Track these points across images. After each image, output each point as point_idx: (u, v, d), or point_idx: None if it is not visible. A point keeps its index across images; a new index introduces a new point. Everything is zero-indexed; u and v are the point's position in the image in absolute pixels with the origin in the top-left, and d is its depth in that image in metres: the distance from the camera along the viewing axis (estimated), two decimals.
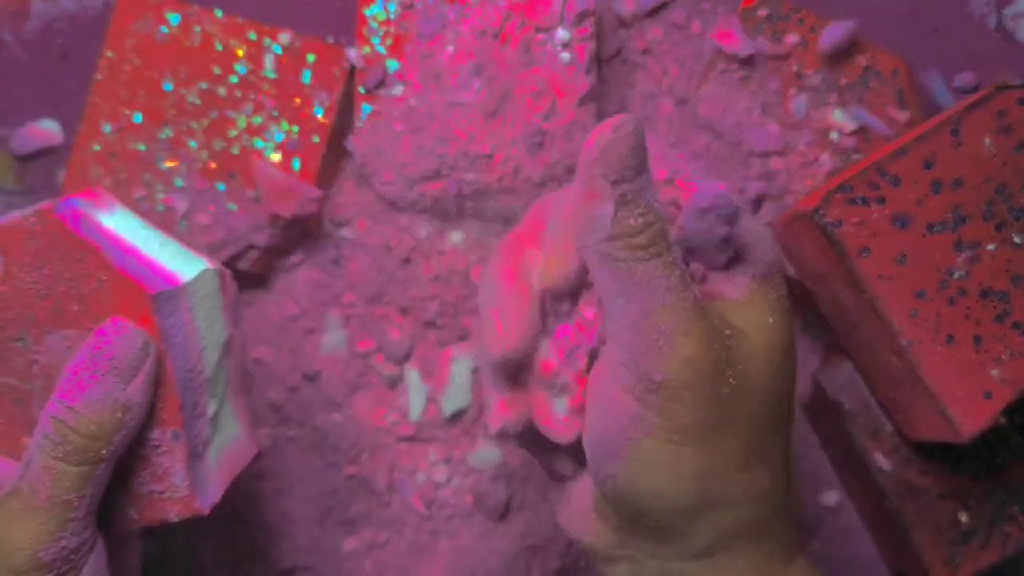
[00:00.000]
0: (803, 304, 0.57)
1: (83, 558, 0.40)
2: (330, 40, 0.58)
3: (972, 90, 0.58)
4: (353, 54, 0.56)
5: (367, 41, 0.55)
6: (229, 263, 0.55)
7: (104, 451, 0.39)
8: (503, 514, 0.57)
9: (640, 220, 0.38)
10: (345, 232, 0.57)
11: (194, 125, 0.55)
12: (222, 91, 0.55)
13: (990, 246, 0.48)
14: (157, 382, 0.41)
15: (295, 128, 0.55)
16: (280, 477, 0.57)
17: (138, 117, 0.55)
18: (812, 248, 0.50)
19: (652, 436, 0.39)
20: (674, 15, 0.58)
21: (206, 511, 0.42)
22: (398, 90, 0.55)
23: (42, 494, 0.39)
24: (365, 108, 0.55)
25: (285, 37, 0.55)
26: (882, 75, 0.54)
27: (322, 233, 0.58)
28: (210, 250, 0.55)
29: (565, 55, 0.54)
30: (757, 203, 0.55)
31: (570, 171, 0.56)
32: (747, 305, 0.41)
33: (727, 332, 0.39)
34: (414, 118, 0.54)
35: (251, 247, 0.56)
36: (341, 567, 0.57)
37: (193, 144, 0.55)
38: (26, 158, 0.59)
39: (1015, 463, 0.53)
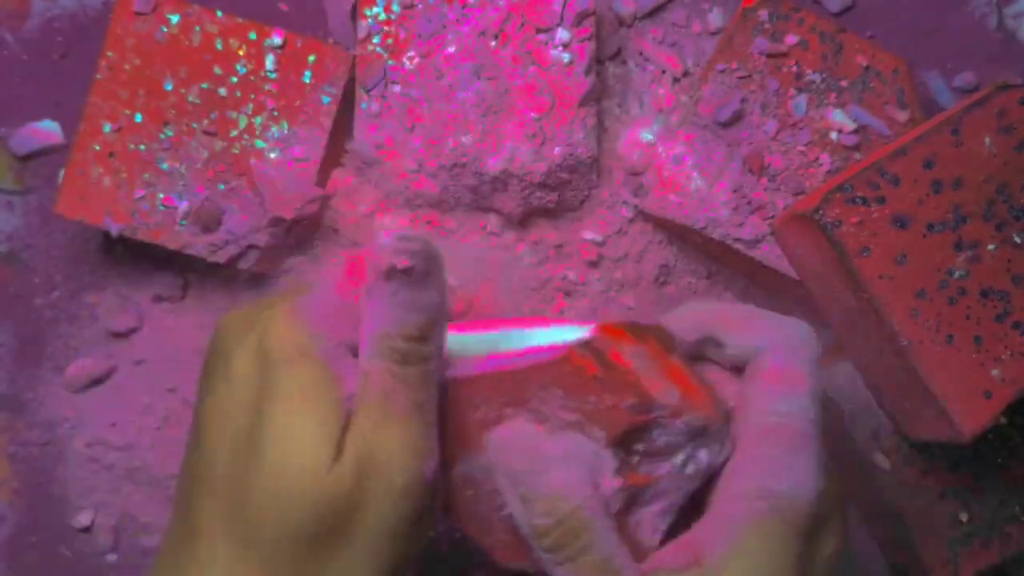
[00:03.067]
0: (803, 304, 0.57)
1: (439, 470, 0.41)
2: (331, 40, 0.58)
3: (972, 90, 0.58)
4: (354, 54, 0.56)
5: (368, 41, 0.55)
6: (229, 263, 0.55)
7: (427, 349, 0.40)
8: None
9: (543, 522, 0.40)
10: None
11: (194, 125, 0.55)
12: (222, 91, 0.55)
13: (990, 246, 0.48)
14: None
15: (296, 128, 0.55)
16: None
17: (138, 117, 0.55)
18: (812, 248, 0.50)
19: None
20: (674, 15, 0.58)
21: None
22: (398, 90, 0.55)
23: (396, 400, 0.39)
24: (365, 108, 0.55)
25: (286, 37, 0.55)
26: (882, 75, 0.54)
27: (323, 233, 0.58)
28: (210, 250, 0.55)
29: (565, 55, 0.54)
30: (757, 204, 0.55)
31: (572, 171, 0.56)
32: (733, 553, 0.39)
33: None
34: (414, 118, 0.54)
35: (252, 247, 0.55)
36: None
37: (193, 144, 0.55)
38: (26, 158, 0.59)
39: (1015, 463, 0.53)
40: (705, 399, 0.41)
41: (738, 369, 0.43)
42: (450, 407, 0.42)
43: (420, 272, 0.39)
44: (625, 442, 0.40)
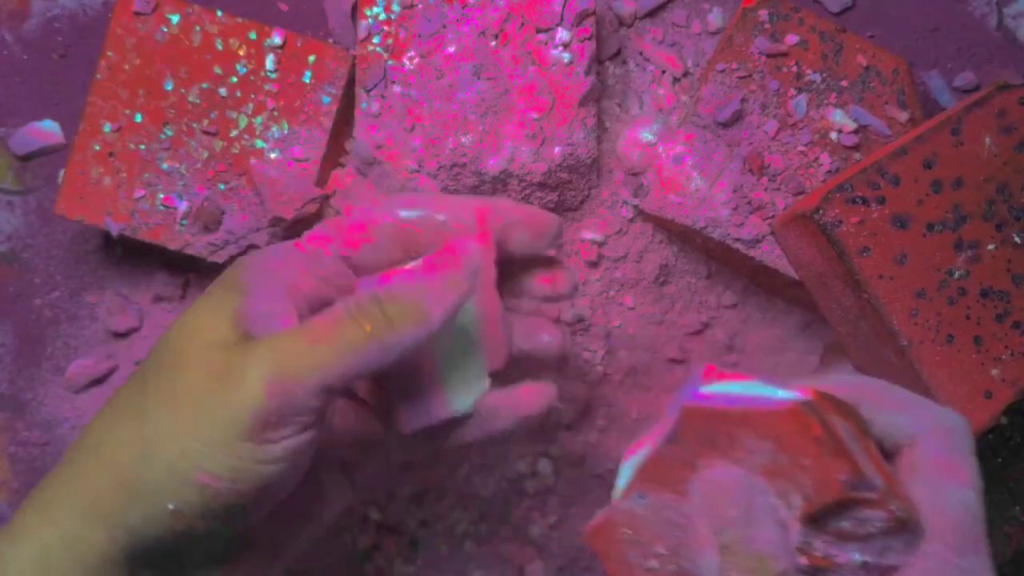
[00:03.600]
0: (803, 304, 0.57)
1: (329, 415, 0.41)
2: (331, 40, 0.58)
3: (972, 90, 0.58)
4: (354, 54, 0.56)
5: (368, 41, 0.55)
6: (229, 263, 0.55)
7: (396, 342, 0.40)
8: None
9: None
10: None
11: (194, 125, 0.55)
12: (222, 91, 0.55)
13: (990, 246, 0.48)
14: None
15: (296, 128, 0.55)
16: None
17: (138, 117, 0.55)
18: (812, 248, 0.50)
19: None
20: (674, 15, 0.58)
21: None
22: (398, 90, 0.55)
23: (326, 336, 0.39)
24: (365, 108, 0.55)
25: (286, 37, 0.55)
26: (882, 75, 0.54)
27: None
28: (210, 250, 0.55)
29: (565, 55, 0.54)
30: (757, 204, 0.55)
31: (572, 171, 0.56)
32: None
33: None
34: (414, 118, 0.54)
35: (252, 247, 0.56)
36: None
37: (193, 144, 0.55)
38: (26, 158, 0.59)
39: (1015, 463, 0.53)
40: (903, 492, 0.38)
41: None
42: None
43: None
44: (820, 519, 0.37)
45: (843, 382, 0.40)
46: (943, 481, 0.38)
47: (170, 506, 0.39)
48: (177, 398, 0.39)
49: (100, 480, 0.39)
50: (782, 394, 0.37)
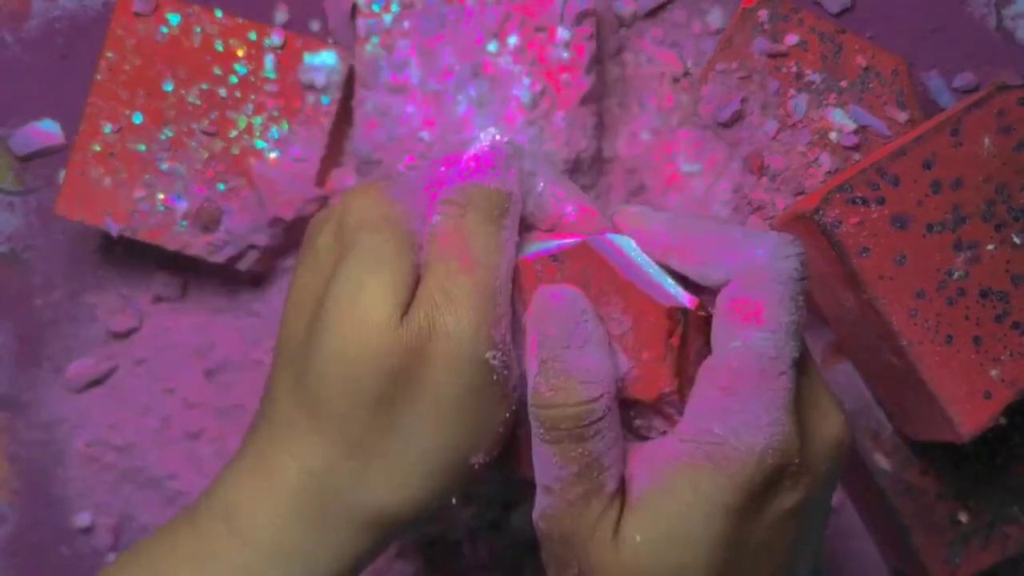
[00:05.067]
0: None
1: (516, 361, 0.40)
2: (331, 40, 0.58)
3: (972, 90, 0.58)
4: (354, 53, 0.56)
5: (367, 40, 0.55)
6: (229, 263, 0.55)
7: (503, 220, 0.41)
8: None
9: (549, 395, 0.38)
10: None
11: (194, 125, 0.55)
12: (222, 91, 0.55)
13: (990, 246, 0.48)
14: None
15: (295, 128, 0.55)
16: None
17: (138, 117, 0.55)
18: (812, 248, 0.50)
19: None
20: (674, 15, 0.58)
21: None
22: (397, 89, 0.55)
23: (466, 260, 0.39)
24: (365, 107, 0.55)
25: (286, 37, 0.55)
26: (882, 75, 0.54)
27: None
28: (210, 250, 0.55)
29: (565, 55, 0.54)
30: (757, 204, 0.55)
31: (571, 171, 0.55)
32: (639, 510, 0.38)
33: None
34: (414, 118, 0.54)
35: (251, 247, 0.56)
36: None
37: (193, 144, 0.55)
38: (26, 158, 0.59)
39: (1015, 463, 0.53)
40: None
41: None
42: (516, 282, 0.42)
43: (504, 159, 0.42)
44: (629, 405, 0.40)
45: (653, 222, 0.41)
46: (733, 321, 0.38)
47: (454, 501, 0.40)
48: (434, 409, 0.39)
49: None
50: (671, 289, 0.39)
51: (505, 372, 0.39)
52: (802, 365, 0.39)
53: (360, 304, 0.38)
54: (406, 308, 0.38)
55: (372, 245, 0.39)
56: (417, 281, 0.39)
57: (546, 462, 0.38)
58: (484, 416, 0.39)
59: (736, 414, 0.37)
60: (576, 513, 0.38)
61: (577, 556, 0.38)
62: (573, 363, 0.38)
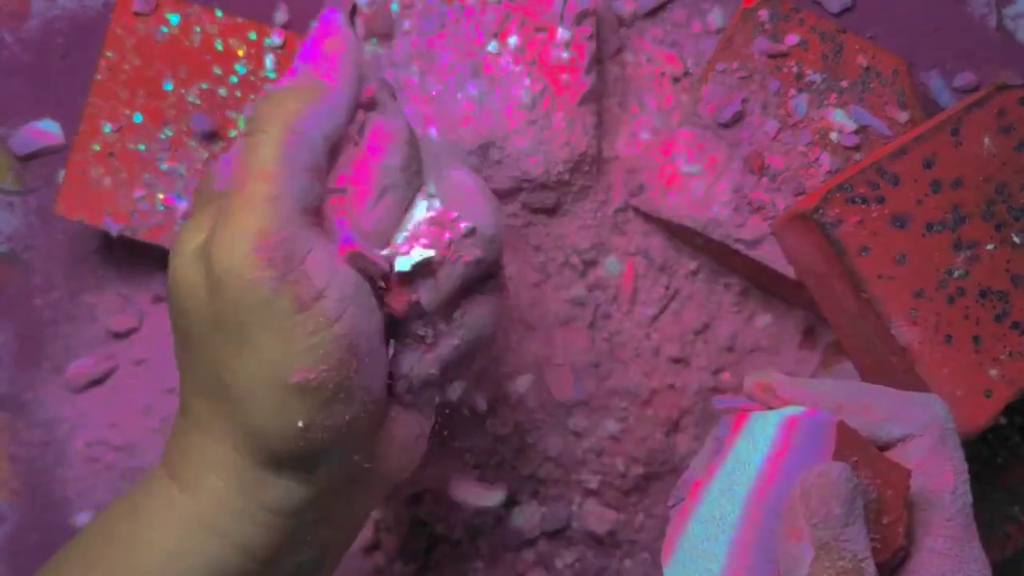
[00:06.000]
0: (803, 304, 0.57)
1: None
2: None
3: (972, 90, 0.58)
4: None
5: (367, 40, 0.55)
6: None
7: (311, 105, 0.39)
8: None
9: (836, 573, 0.37)
10: None
11: (194, 125, 0.55)
12: (222, 91, 0.55)
13: (989, 246, 0.48)
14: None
15: None
16: None
17: (138, 117, 0.55)
18: (812, 248, 0.50)
19: None
20: (674, 15, 0.58)
21: None
22: (397, 88, 0.55)
23: (240, 179, 0.38)
24: None
25: (286, 37, 0.55)
26: (882, 75, 0.54)
27: None
28: None
29: (565, 55, 0.54)
30: (757, 204, 0.55)
31: (571, 171, 0.55)
32: None
33: None
34: (413, 117, 0.54)
35: None
36: None
37: (193, 144, 0.55)
38: (26, 158, 0.59)
39: (1015, 463, 0.53)
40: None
41: None
42: None
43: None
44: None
45: (816, 390, 0.42)
46: (937, 481, 0.40)
47: (299, 423, 0.38)
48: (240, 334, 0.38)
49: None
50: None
51: (294, 288, 0.38)
52: None
53: (177, 245, 0.39)
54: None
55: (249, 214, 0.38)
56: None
57: None
58: (286, 336, 0.38)
59: (965, 563, 0.39)
60: None
61: None
62: (856, 542, 0.38)
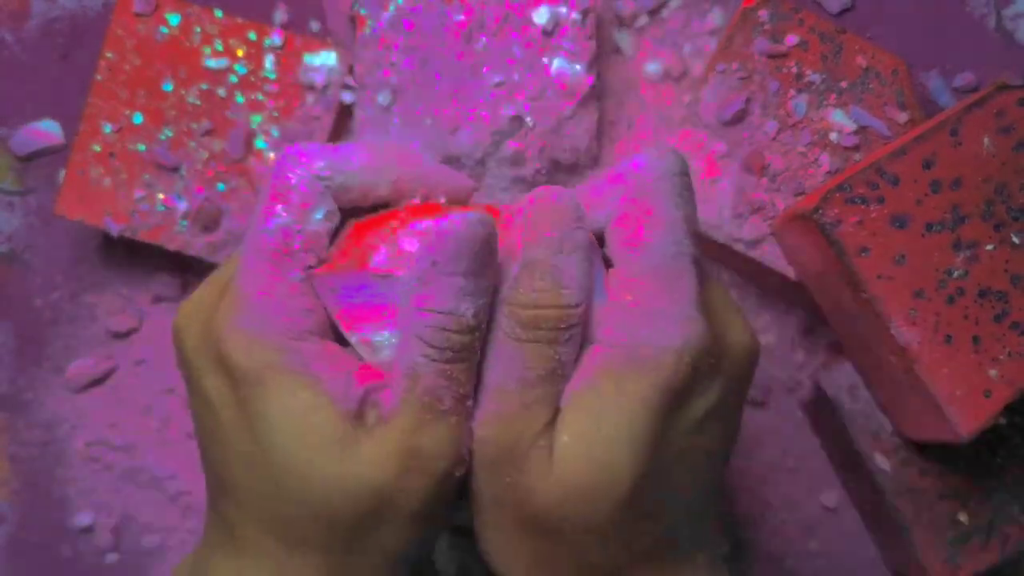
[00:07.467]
0: (803, 304, 0.57)
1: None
2: (330, 40, 0.58)
3: (972, 90, 0.58)
4: (353, 53, 0.56)
5: (367, 39, 0.55)
6: None
7: (478, 337, 0.38)
8: None
9: (534, 295, 0.37)
10: None
11: (194, 125, 0.55)
12: (222, 91, 0.55)
13: (989, 246, 0.48)
14: None
15: (295, 128, 0.55)
16: None
17: (138, 117, 0.55)
18: (811, 248, 0.50)
19: None
20: (674, 15, 0.58)
21: None
22: (397, 88, 0.55)
23: (446, 399, 0.37)
24: (364, 107, 0.55)
25: (285, 37, 0.55)
26: (882, 75, 0.54)
27: None
28: (210, 250, 0.55)
29: (565, 55, 0.54)
30: (757, 204, 0.55)
31: (571, 171, 0.56)
32: (570, 412, 0.38)
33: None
34: (413, 117, 0.54)
35: None
36: None
37: (192, 144, 0.55)
38: (26, 158, 0.59)
39: (1015, 463, 0.53)
40: None
41: None
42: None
43: (483, 256, 0.37)
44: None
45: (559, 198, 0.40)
46: (626, 232, 0.38)
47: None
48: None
49: None
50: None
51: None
52: (701, 274, 0.39)
53: (303, 453, 0.37)
54: (353, 436, 0.37)
55: (276, 406, 0.37)
56: (347, 399, 0.38)
57: (511, 362, 0.38)
58: (441, 518, 0.40)
59: (651, 316, 0.38)
60: (527, 417, 0.37)
61: (514, 466, 0.38)
62: (564, 269, 0.37)
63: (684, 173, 0.39)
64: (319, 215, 0.39)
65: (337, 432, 0.37)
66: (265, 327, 0.38)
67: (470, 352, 0.38)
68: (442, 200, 0.42)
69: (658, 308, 0.38)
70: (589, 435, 0.37)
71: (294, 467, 0.37)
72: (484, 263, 0.37)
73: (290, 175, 0.39)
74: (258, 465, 0.38)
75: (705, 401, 0.38)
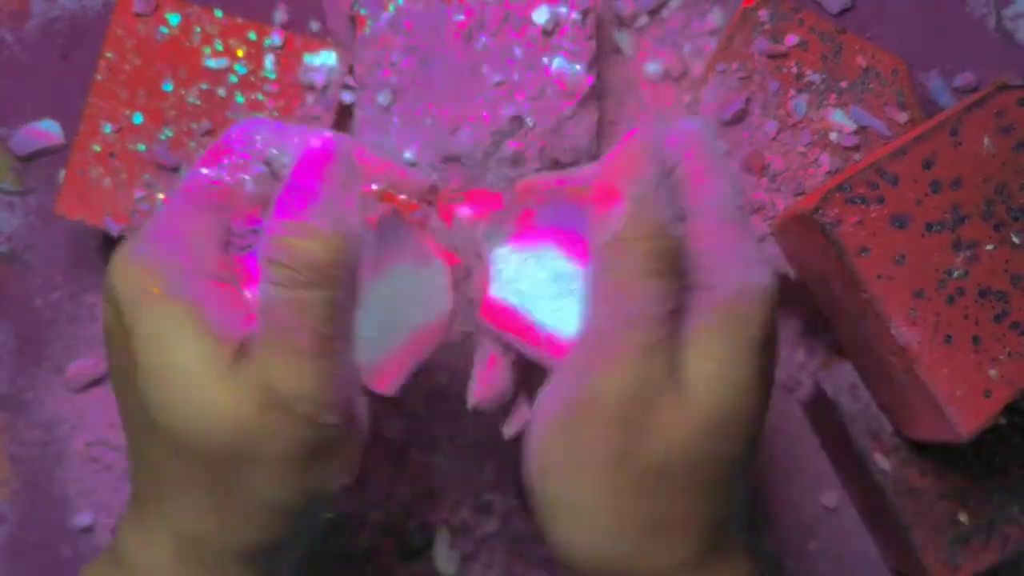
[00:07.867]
0: (803, 304, 0.57)
1: (360, 398, 0.39)
2: (330, 40, 0.58)
3: (972, 90, 0.58)
4: (353, 53, 0.56)
5: (366, 39, 0.55)
6: None
7: (336, 273, 0.36)
8: None
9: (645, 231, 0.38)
10: None
11: (194, 125, 0.55)
12: (222, 91, 0.55)
13: (989, 246, 0.48)
14: None
15: None
16: None
17: (138, 117, 0.55)
18: (812, 248, 0.50)
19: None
20: (674, 15, 0.58)
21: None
22: (397, 88, 0.55)
23: (300, 335, 0.36)
24: (364, 106, 0.55)
25: (285, 37, 0.55)
26: (882, 75, 0.54)
27: None
28: None
29: (565, 55, 0.54)
30: (757, 204, 0.55)
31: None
32: (698, 348, 0.38)
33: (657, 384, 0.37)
34: (412, 117, 0.55)
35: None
36: None
37: (193, 144, 0.55)
38: (26, 158, 0.59)
39: (1015, 463, 0.53)
40: None
41: None
42: None
43: (339, 175, 0.38)
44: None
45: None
46: (697, 189, 0.40)
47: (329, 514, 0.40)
48: None
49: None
50: None
51: (345, 442, 0.39)
52: None
53: (175, 379, 0.37)
54: (229, 364, 0.37)
55: (150, 328, 0.38)
56: (224, 339, 0.38)
57: (628, 302, 0.37)
58: (317, 482, 0.39)
59: (741, 260, 0.39)
60: (652, 360, 0.37)
61: (643, 410, 0.37)
62: (670, 203, 0.39)
63: (715, 136, 0.42)
64: (246, 176, 0.41)
65: (208, 362, 0.37)
66: (155, 256, 0.39)
67: (328, 281, 0.36)
68: (402, 197, 0.45)
69: (743, 253, 0.39)
70: (719, 372, 0.38)
71: (164, 386, 0.37)
72: (342, 184, 0.38)
73: (234, 139, 0.41)
74: (134, 391, 0.38)
75: (776, 330, 0.40)
